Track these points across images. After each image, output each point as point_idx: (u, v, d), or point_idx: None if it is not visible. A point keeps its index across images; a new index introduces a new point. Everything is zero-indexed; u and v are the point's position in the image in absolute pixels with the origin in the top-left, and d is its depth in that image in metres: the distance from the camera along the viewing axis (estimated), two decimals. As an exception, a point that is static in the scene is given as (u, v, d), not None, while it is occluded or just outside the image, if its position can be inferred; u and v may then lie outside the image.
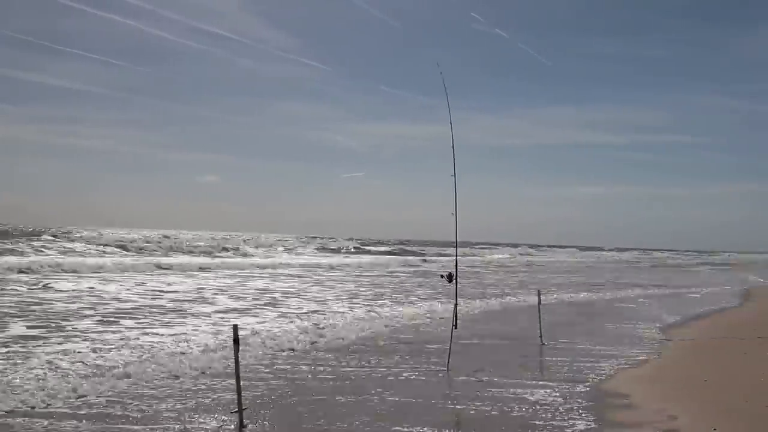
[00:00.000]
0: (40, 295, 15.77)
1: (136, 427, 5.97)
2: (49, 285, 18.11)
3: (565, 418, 6.52)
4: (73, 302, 14.66)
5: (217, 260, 32.87)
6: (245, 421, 6.05)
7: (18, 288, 17.16)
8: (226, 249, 41.88)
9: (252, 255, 40.03)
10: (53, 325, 11.38)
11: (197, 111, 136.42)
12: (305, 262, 36.53)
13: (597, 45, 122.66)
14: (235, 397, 6.06)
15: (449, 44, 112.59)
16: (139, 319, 12.51)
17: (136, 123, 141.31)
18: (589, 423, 6.38)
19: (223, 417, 6.30)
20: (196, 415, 6.37)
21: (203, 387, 7.48)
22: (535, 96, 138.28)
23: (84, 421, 6.08)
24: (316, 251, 51.07)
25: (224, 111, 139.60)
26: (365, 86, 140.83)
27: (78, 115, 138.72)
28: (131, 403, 6.70)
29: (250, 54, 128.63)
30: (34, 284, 18.24)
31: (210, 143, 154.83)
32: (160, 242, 43.52)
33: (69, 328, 11.15)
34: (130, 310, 13.68)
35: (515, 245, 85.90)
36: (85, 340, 10.04)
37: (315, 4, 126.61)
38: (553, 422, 6.37)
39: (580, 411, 6.79)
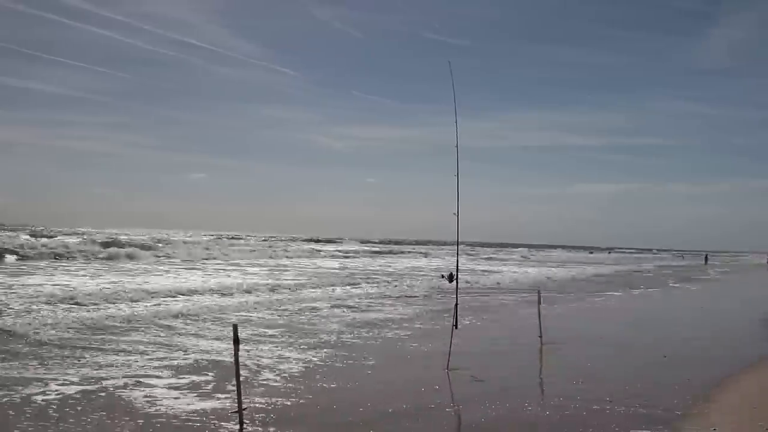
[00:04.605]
0: None
1: None
2: None
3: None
4: None
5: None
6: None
7: None
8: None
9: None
10: None
11: (178, 114, 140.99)
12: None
13: (556, 54, 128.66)
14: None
15: (409, 53, 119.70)
16: None
17: (122, 125, 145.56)
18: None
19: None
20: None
21: None
22: (497, 102, 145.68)
23: None
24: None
25: (203, 113, 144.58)
26: (337, 92, 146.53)
27: (66, 118, 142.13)
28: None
29: (222, 61, 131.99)
30: None
31: (194, 145, 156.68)
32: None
33: None
34: None
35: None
36: None
37: (278, 18, 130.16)
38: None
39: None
